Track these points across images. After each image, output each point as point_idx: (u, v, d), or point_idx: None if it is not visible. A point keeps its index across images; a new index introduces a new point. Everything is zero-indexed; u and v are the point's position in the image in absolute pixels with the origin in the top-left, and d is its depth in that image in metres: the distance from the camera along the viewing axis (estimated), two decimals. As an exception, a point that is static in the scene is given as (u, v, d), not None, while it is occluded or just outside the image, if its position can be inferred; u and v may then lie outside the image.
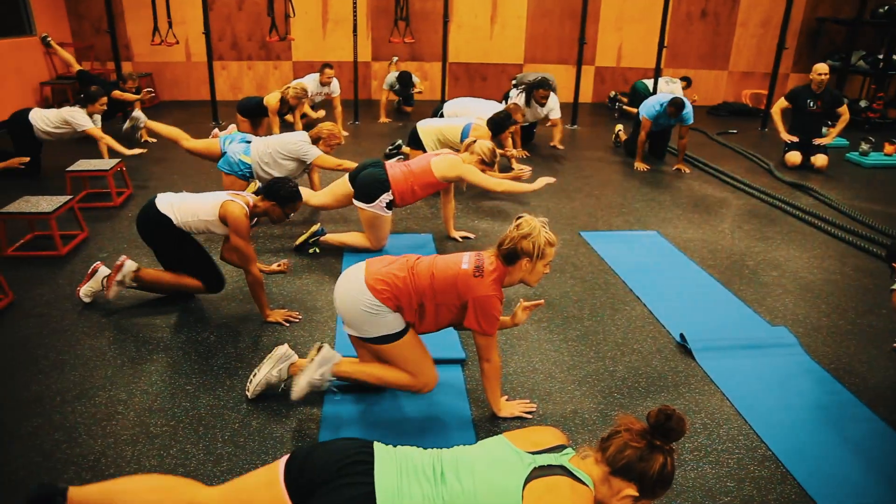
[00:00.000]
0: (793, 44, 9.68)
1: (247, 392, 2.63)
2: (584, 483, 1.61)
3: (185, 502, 1.74)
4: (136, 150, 5.69)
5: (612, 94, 9.59)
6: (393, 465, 1.69)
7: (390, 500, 1.61)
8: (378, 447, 1.75)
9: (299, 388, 2.46)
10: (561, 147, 7.12)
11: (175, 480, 1.86)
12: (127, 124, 5.89)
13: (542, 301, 2.65)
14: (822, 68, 6.33)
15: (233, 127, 6.17)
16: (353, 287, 2.40)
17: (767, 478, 2.30)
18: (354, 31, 7.83)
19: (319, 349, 2.51)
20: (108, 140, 5.55)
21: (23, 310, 3.32)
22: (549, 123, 7.16)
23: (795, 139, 6.59)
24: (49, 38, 7.86)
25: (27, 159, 5.00)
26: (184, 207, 3.21)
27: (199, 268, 3.37)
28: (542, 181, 4.24)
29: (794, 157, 6.54)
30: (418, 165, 4.09)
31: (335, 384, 2.60)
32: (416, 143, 5.45)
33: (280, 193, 3.20)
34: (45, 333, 3.10)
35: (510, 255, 2.34)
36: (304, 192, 4.14)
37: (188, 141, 5.05)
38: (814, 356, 3.11)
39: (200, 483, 1.85)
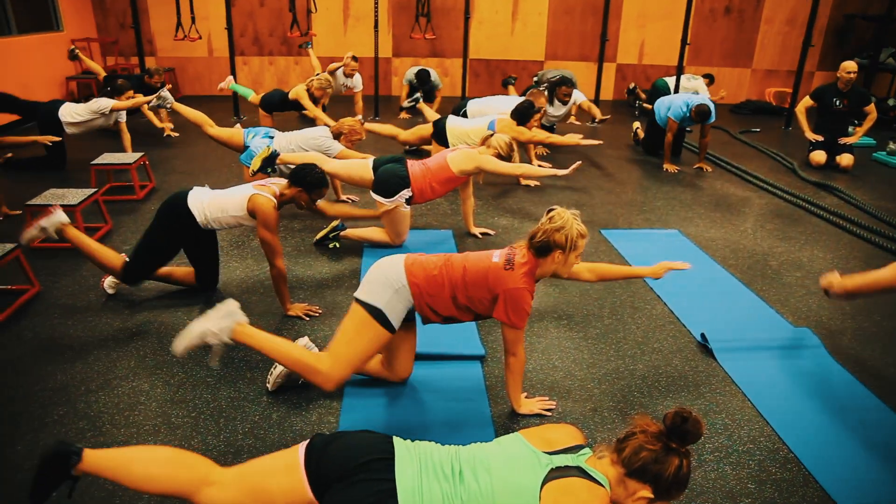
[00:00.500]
0: (819, 41, 9.52)
1: (267, 384, 2.66)
2: (600, 484, 1.61)
3: (198, 479, 1.72)
4: (156, 95, 5.84)
5: (632, 85, 9.44)
6: (414, 462, 1.70)
7: (411, 498, 1.62)
8: (398, 443, 1.76)
9: (189, 335, 2.21)
10: (607, 117, 7.20)
11: (189, 456, 1.82)
12: (153, 102, 6.01)
13: (688, 265, 2.73)
14: (850, 66, 6.21)
15: (230, 79, 6.25)
16: (391, 265, 2.43)
17: (789, 480, 2.28)
18: (375, 27, 7.84)
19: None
20: (135, 100, 5.71)
21: (48, 300, 3.38)
22: (574, 113, 7.23)
23: (820, 138, 6.48)
24: (77, 51, 7.96)
25: (59, 139, 5.10)
26: (213, 204, 3.22)
27: (150, 261, 3.29)
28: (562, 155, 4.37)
29: (819, 156, 6.43)
30: (435, 163, 4.10)
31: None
32: (442, 139, 5.44)
33: (307, 179, 3.22)
34: (69, 324, 3.15)
35: (543, 248, 2.35)
36: (318, 156, 4.16)
37: (212, 127, 5.10)
38: (837, 358, 3.07)
39: (214, 462, 1.82)
